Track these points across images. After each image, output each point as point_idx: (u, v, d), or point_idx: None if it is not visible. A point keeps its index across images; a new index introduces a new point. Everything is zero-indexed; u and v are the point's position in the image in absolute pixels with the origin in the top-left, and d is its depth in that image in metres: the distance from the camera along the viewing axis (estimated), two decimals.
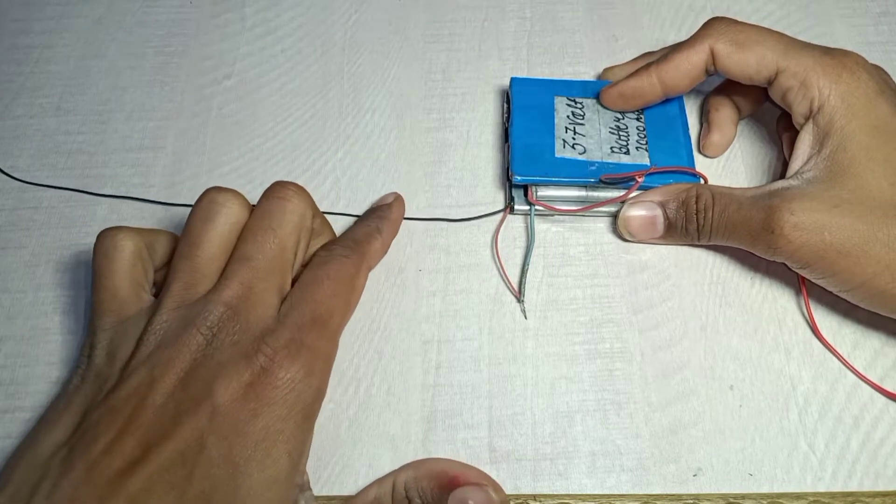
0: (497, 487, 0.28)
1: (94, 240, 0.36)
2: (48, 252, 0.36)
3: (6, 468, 0.26)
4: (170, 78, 0.42)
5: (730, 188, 0.33)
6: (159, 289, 0.30)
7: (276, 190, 0.30)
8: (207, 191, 0.30)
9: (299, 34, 0.43)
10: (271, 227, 0.29)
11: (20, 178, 0.38)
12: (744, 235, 0.32)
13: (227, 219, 0.29)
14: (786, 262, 0.32)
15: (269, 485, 0.25)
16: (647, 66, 0.36)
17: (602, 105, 0.37)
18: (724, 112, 0.37)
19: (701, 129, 0.39)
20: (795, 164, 0.33)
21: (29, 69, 0.42)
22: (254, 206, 0.31)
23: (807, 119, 0.33)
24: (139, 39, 0.43)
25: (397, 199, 0.36)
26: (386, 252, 0.35)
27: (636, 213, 0.34)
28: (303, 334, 0.27)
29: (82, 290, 0.35)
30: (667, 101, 0.37)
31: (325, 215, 0.34)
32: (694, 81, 0.35)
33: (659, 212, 0.34)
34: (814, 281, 0.32)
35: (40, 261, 0.36)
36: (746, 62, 0.33)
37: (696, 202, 0.33)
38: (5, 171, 0.38)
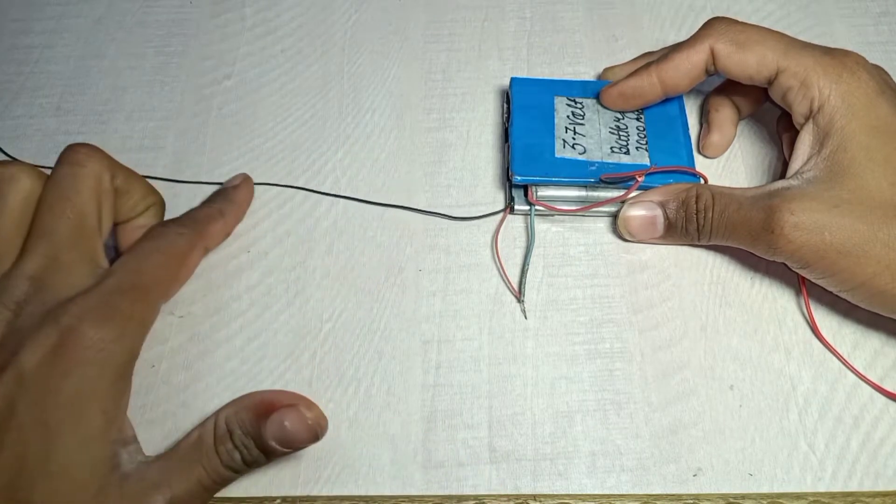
0: (310, 405, 0.28)
1: None
2: None
3: None
4: (170, 78, 0.42)
5: (730, 188, 0.33)
6: None
7: (67, 155, 0.29)
8: None
9: (299, 34, 0.43)
10: (66, 195, 0.28)
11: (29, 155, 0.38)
12: (744, 235, 0.32)
13: (18, 194, 0.28)
14: (786, 263, 0.32)
15: (85, 443, 0.25)
16: (647, 65, 0.36)
17: (602, 105, 0.37)
18: (724, 112, 0.37)
19: (701, 130, 0.39)
20: (795, 164, 0.33)
21: (29, 69, 0.42)
22: (48, 174, 0.30)
23: (807, 119, 0.33)
24: (139, 39, 0.43)
25: (245, 181, 0.36)
26: (229, 234, 0.35)
27: (636, 213, 0.34)
28: (117, 299, 0.27)
29: None
30: (667, 100, 0.37)
31: (326, 200, 0.34)
32: (694, 81, 0.35)
33: (659, 212, 0.34)
34: (814, 281, 0.32)
35: None
36: (747, 62, 0.33)
37: (696, 202, 0.33)
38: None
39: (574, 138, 0.36)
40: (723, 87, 0.38)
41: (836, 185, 0.31)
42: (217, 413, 0.28)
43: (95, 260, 0.29)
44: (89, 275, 0.28)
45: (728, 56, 0.34)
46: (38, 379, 0.25)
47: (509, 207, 0.36)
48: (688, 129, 0.37)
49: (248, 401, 0.28)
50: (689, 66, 0.34)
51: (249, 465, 0.28)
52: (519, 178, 0.35)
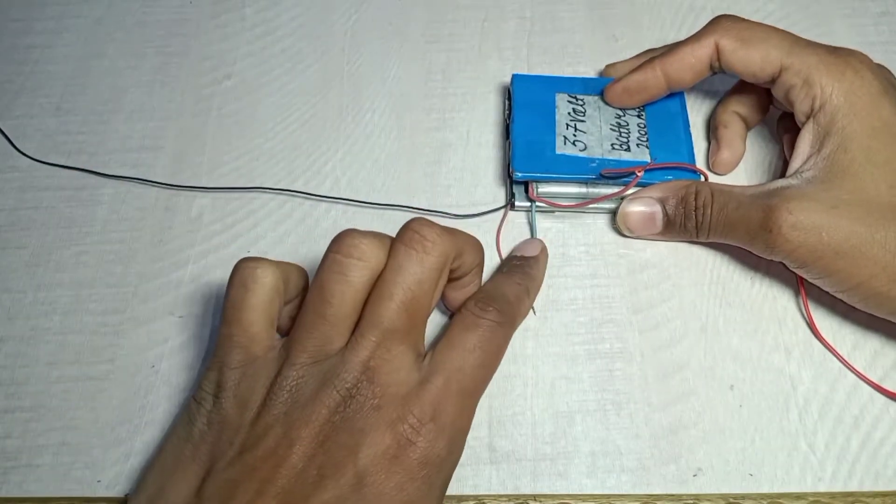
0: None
1: (93, 239, 0.36)
2: (48, 252, 0.36)
3: None
4: (170, 78, 0.42)
5: (729, 186, 0.33)
6: (283, 330, 0.29)
7: (413, 239, 0.28)
8: (345, 235, 0.28)
9: (299, 34, 0.43)
10: (406, 286, 0.27)
11: (32, 155, 0.38)
12: (742, 234, 0.32)
13: (362, 274, 0.27)
14: (783, 262, 0.32)
15: None
16: (651, 60, 0.36)
17: (605, 102, 0.37)
18: (733, 129, 0.37)
19: (709, 147, 0.38)
20: (795, 163, 0.33)
21: (29, 69, 0.42)
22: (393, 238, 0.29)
23: (808, 117, 0.32)
24: (139, 39, 0.43)
25: (542, 253, 0.34)
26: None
27: (635, 208, 0.34)
28: (448, 406, 0.26)
29: (83, 290, 0.35)
30: (668, 98, 0.37)
31: (326, 201, 0.33)
32: (698, 76, 0.35)
33: (658, 208, 0.34)
34: (811, 281, 0.32)
35: (40, 261, 0.36)
36: (751, 59, 0.33)
37: (695, 199, 0.33)
38: (20, 148, 0.38)
39: (575, 135, 0.36)
40: (728, 101, 0.38)
41: (835, 186, 0.30)
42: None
43: (418, 348, 0.28)
44: (413, 366, 0.27)
45: (733, 52, 0.34)
46: (374, 486, 0.24)
47: (510, 204, 0.36)
48: (689, 126, 0.37)
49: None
50: (693, 60, 0.34)
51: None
52: (520, 174, 0.35)
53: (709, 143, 0.38)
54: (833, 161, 0.31)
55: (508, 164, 0.36)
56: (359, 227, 0.28)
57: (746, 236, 0.32)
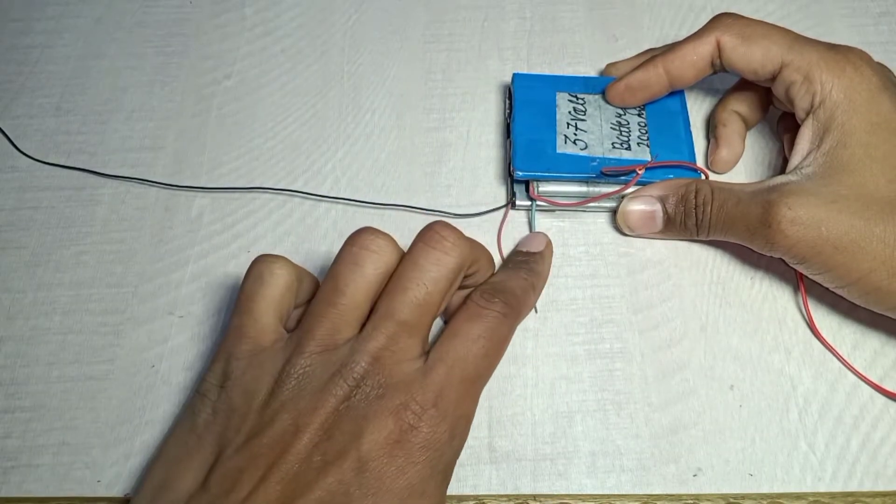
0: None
1: (93, 239, 0.36)
2: (48, 252, 0.36)
3: None
4: (170, 78, 0.42)
5: (729, 183, 0.33)
6: (290, 331, 0.29)
7: (434, 239, 0.28)
8: (363, 230, 0.29)
9: (299, 34, 0.43)
10: (423, 281, 0.27)
11: (32, 155, 0.38)
12: (742, 230, 0.32)
13: (377, 267, 0.28)
14: (783, 258, 0.32)
15: None
16: (653, 58, 0.36)
17: (605, 101, 0.37)
18: (732, 127, 0.37)
19: (709, 145, 0.38)
20: (795, 159, 0.33)
21: (29, 69, 0.42)
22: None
23: (808, 114, 0.32)
24: (139, 39, 0.43)
25: (548, 248, 0.34)
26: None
27: (635, 207, 0.34)
28: (450, 393, 0.26)
29: (83, 290, 0.35)
30: (668, 96, 0.37)
31: (326, 201, 0.33)
32: (700, 74, 0.35)
33: (658, 206, 0.34)
34: (810, 277, 0.32)
35: (40, 261, 0.36)
36: (752, 55, 0.33)
37: (696, 197, 0.33)
38: (20, 148, 0.38)
39: (576, 134, 0.36)
40: (728, 100, 0.38)
41: (834, 181, 0.30)
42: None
43: (424, 344, 0.28)
44: (418, 358, 0.27)
45: (734, 49, 0.34)
46: (376, 471, 0.24)
47: (511, 203, 0.36)
48: (689, 124, 0.37)
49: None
50: (695, 58, 0.34)
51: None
52: (520, 173, 0.35)
53: (709, 141, 0.38)
54: (832, 156, 0.31)
55: (509, 164, 0.36)
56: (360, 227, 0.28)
57: (746, 232, 0.32)
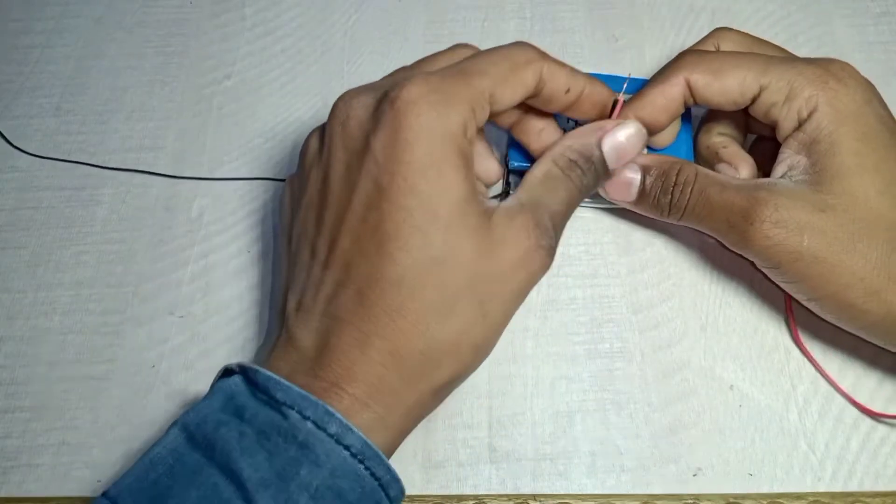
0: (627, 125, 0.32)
1: (93, 239, 0.36)
2: (48, 252, 0.36)
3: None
4: (170, 78, 0.42)
5: (716, 173, 0.32)
6: None
7: (520, 51, 0.30)
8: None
9: (299, 34, 0.43)
10: (504, 58, 0.29)
11: (30, 151, 0.38)
12: (720, 221, 0.31)
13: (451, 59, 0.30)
14: (753, 260, 0.31)
15: (447, 188, 0.27)
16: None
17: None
18: (732, 148, 0.35)
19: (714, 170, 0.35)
20: (780, 169, 0.32)
21: (29, 69, 0.42)
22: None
23: (794, 131, 0.31)
24: (139, 39, 0.43)
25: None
26: (570, 101, 0.32)
27: (619, 171, 0.33)
28: (442, 82, 0.28)
29: (83, 290, 0.35)
30: None
31: None
32: (673, 115, 0.33)
33: (637, 176, 0.33)
34: (780, 285, 0.31)
35: (40, 261, 0.36)
36: (728, 88, 0.32)
37: (677, 175, 0.32)
38: (15, 145, 0.38)
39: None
40: (709, 127, 0.36)
41: (824, 189, 0.30)
42: (550, 153, 0.31)
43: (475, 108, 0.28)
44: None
45: (707, 86, 0.32)
46: (385, 152, 0.26)
47: (506, 193, 0.36)
48: (690, 124, 0.37)
49: (579, 134, 0.31)
50: (665, 101, 0.32)
51: (595, 185, 0.32)
52: (515, 163, 0.35)
53: (713, 169, 0.35)
54: (823, 166, 0.30)
55: (505, 155, 0.36)
56: None
57: (724, 224, 0.31)
